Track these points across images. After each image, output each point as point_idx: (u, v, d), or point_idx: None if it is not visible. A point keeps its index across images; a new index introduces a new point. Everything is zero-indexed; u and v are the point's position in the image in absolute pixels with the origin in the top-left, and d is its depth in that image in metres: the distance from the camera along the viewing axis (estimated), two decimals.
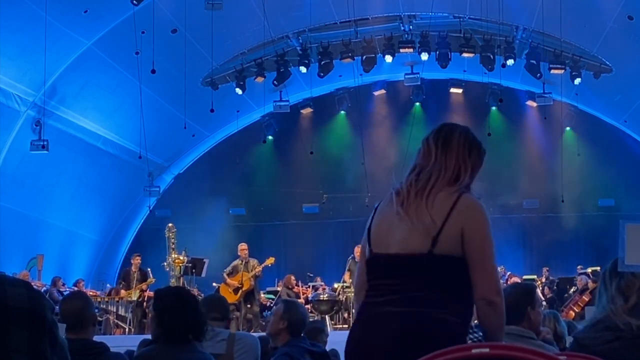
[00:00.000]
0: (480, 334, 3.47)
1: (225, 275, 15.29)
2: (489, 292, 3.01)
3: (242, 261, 15.31)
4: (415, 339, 2.91)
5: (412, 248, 3.02)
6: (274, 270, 16.53)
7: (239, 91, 19.48)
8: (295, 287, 16.61)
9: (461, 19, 18.86)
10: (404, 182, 3.15)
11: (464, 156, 3.20)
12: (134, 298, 15.25)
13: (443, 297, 3.00)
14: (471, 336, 3.29)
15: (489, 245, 3.08)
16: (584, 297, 15.84)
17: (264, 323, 14.38)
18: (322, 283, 17.16)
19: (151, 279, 15.58)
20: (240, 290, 15.07)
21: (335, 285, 16.31)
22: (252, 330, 13.63)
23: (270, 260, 15.47)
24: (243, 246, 15.55)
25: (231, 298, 15.01)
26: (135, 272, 15.67)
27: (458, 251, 3.03)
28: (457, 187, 3.11)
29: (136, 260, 15.94)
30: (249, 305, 15.20)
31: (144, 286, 15.23)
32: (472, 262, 3.03)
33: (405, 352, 2.87)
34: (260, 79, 19.20)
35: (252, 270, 15.15)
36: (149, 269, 15.92)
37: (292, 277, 16.65)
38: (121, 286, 16.28)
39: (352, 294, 15.49)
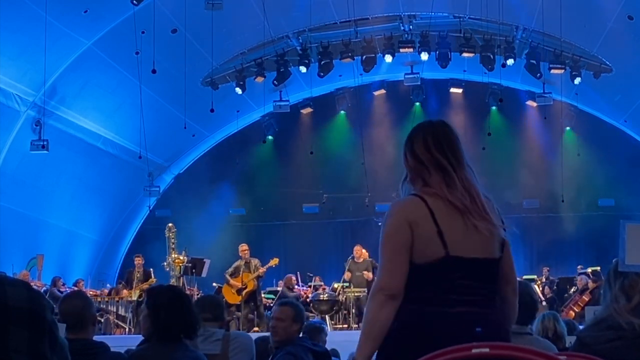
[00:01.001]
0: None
1: (227, 276, 15.27)
2: (516, 285, 3.31)
3: (243, 262, 15.29)
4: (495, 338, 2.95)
5: (490, 253, 3.17)
6: (274, 270, 16.51)
7: (239, 91, 19.48)
8: (296, 287, 16.61)
9: (461, 19, 18.85)
10: (457, 196, 3.16)
11: (465, 156, 3.34)
12: (134, 298, 15.25)
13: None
14: None
15: None
16: (584, 297, 15.83)
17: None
18: (322, 283, 17.16)
19: (152, 279, 15.58)
20: (244, 291, 15.05)
21: (335, 285, 16.30)
22: (259, 331, 13.59)
23: (274, 261, 15.45)
24: (244, 247, 15.52)
25: (234, 299, 15.03)
26: (138, 272, 15.68)
27: None
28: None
29: (138, 261, 15.96)
30: (252, 304, 15.20)
31: (144, 286, 15.23)
32: (510, 263, 3.25)
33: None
34: (260, 79, 19.20)
35: (254, 271, 15.13)
36: (151, 269, 15.94)
37: (293, 278, 16.65)
38: (121, 286, 16.30)
39: (352, 294, 15.55)
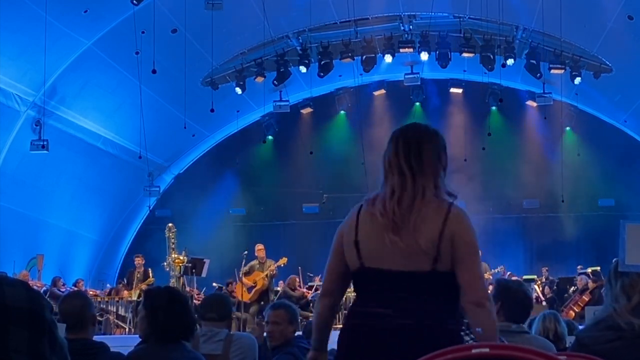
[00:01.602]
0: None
1: (241, 274, 15.40)
2: (478, 296, 3.10)
3: (258, 261, 15.48)
4: (419, 348, 2.94)
5: (414, 267, 3.10)
6: (277, 270, 16.54)
7: (239, 91, 19.48)
8: (298, 288, 16.63)
9: (461, 19, 18.86)
10: (385, 206, 3.14)
11: (437, 166, 3.22)
12: (134, 298, 15.25)
13: (446, 307, 3.12)
14: (467, 337, 3.29)
15: (477, 252, 3.17)
16: (584, 297, 15.83)
17: None
18: (322, 283, 17.13)
19: (151, 279, 15.58)
20: (254, 290, 15.23)
21: None
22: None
23: (283, 260, 15.62)
24: (260, 246, 15.72)
25: (245, 297, 15.23)
26: (139, 272, 15.69)
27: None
28: (440, 199, 3.16)
29: (138, 261, 15.98)
30: (262, 303, 15.27)
31: (143, 286, 15.23)
32: (462, 269, 3.10)
33: None
34: (260, 79, 19.20)
35: (266, 269, 15.30)
36: (149, 269, 15.95)
37: (297, 279, 16.66)
38: (121, 286, 16.30)
39: (352, 294, 15.51)
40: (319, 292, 16.53)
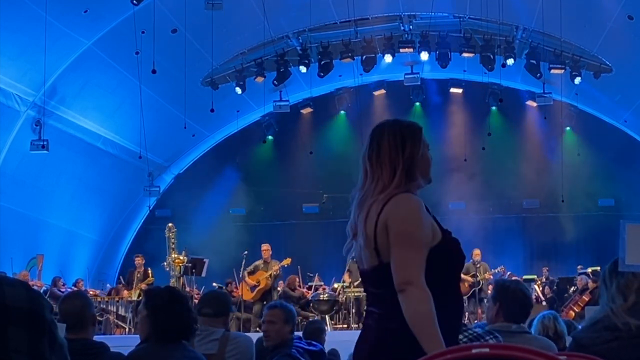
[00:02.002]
0: (475, 331, 3.48)
1: (245, 273, 15.47)
2: (398, 282, 2.99)
3: (263, 261, 15.58)
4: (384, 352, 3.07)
5: (369, 263, 3.14)
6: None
7: (239, 91, 19.48)
8: (297, 288, 16.63)
9: (461, 19, 18.86)
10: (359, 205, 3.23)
11: (396, 158, 3.16)
12: (134, 298, 15.26)
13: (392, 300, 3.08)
14: (461, 336, 3.28)
15: (405, 236, 3.03)
16: (584, 297, 15.84)
17: None
18: (322, 283, 17.16)
19: (150, 278, 15.59)
20: (257, 289, 15.32)
21: (335, 285, 16.32)
22: None
23: (287, 261, 15.74)
24: (265, 247, 15.79)
25: (248, 295, 15.31)
26: (139, 272, 15.69)
27: None
28: (388, 192, 3.11)
29: (138, 260, 15.98)
30: (265, 303, 15.31)
31: (143, 286, 15.24)
32: (391, 256, 3.04)
33: None
34: (260, 79, 19.20)
35: (270, 270, 15.34)
36: (149, 269, 15.95)
37: (297, 278, 16.68)
38: (121, 286, 16.30)
39: (352, 294, 15.56)
40: (318, 291, 16.40)
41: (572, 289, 16.85)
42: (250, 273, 15.53)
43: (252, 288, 15.39)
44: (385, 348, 3.03)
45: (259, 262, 15.60)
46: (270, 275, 15.34)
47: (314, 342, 5.76)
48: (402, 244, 3.01)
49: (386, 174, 3.14)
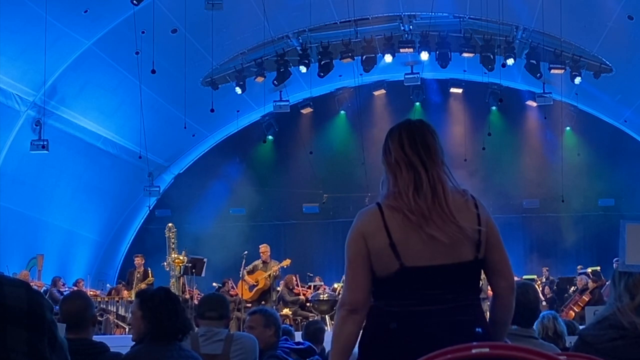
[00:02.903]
0: None
1: (245, 272, 15.44)
2: (512, 280, 3.19)
3: (261, 261, 15.60)
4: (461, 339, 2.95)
5: (458, 258, 3.05)
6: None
7: (239, 91, 19.49)
8: (296, 287, 16.62)
9: (461, 19, 18.86)
10: (411, 202, 3.05)
11: (442, 156, 3.17)
12: (134, 298, 15.25)
13: (478, 302, 3.15)
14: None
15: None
16: (584, 297, 15.84)
17: None
18: (322, 283, 17.15)
19: (151, 279, 15.59)
20: (255, 288, 15.33)
21: (335, 285, 16.31)
22: None
23: (286, 262, 15.75)
24: (264, 247, 15.79)
25: (246, 295, 15.31)
26: (139, 272, 15.69)
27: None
28: (457, 187, 3.13)
29: (138, 260, 15.98)
30: (263, 303, 15.31)
31: (143, 286, 15.24)
32: (498, 252, 3.14)
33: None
34: (260, 79, 19.20)
35: (269, 270, 15.35)
36: (149, 269, 15.95)
37: (294, 278, 16.67)
38: (121, 286, 16.30)
39: None
40: (319, 291, 16.42)
41: (572, 289, 16.86)
42: (249, 272, 15.54)
43: (251, 287, 15.40)
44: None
45: (258, 262, 15.62)
46: (269, 275, 15.33)
47: (302, 341, 5.86)
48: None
49: (442, 170, 3.15)
